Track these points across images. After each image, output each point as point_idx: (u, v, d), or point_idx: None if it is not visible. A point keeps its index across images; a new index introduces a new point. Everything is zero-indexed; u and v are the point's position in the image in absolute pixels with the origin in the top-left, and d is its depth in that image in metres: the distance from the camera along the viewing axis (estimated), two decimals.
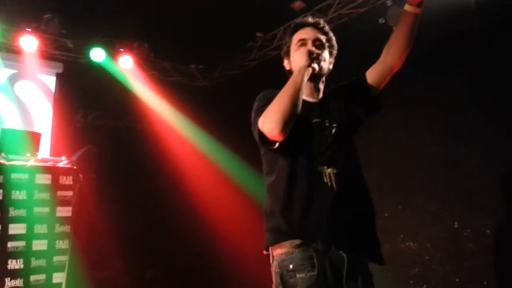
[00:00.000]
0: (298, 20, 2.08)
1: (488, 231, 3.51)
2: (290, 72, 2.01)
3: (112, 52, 5.43)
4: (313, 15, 4.84)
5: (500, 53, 3.52)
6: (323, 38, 1.99)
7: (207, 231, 5.41)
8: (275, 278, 1.80)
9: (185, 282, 5.32)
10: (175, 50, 5.71)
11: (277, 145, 1.81)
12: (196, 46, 5.58)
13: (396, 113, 4.24)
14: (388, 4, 4.00)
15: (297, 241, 1.76)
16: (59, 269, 3.86)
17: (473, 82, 3.68)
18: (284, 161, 1.85)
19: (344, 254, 1.76)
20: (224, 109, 5.89)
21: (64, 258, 3.89)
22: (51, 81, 5.57)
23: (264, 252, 1.90)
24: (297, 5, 4.83)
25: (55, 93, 5.56)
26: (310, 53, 1.88)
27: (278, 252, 1.80)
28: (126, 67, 5.53)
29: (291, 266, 1.74)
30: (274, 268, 1.81)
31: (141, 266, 5.37)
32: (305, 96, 1.90)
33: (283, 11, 4.91)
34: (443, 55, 3.87)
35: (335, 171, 1.83)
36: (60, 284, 3.84)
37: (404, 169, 4.14)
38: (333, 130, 1.92)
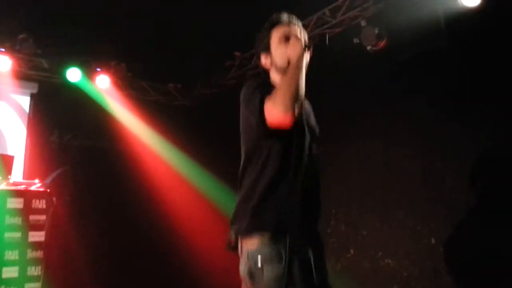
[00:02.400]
0: (272, 17, 2.07)
1: (464, 247, 3.55)
2: (266, 70, 2.03)
3: (89, 72, 5.37)
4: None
5: (470, 70, 3.63)
6: (299, 33, 2.02)
7: (186, 251, 5.33)
8: (243, 269, 1.79)
9: None
10: (153, 69, 5.69)
11: (271, 131, 1.78)
12: (174, 65, 5.58)
13: (374, 129, 4.31)
14: (362, 25, 4.09)
15: (267, 234, 1.77)
16: None
17: (446, 98, 3.78)
18: (275, 153, 1.83)
19: (309, 247, 1.84)
20: (202, 127, 5.87)
21: (37, 285, 3.75)
22: (25, 102, 5.46)
23: (229, 242, 1.89)
24: None
25: (29, 113, 5.44)
26: (304, 42, 1.90)
27: (248, 243, 1.80)
28: (103, 86, 5.48)
29: (260, 258, 1.74)
30: (243, 259, 1.81)
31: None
32: None
33: (261, 30, 4.96)
34: (416, 73, 3.97)
35: (311, 167, 1.91)
36: None
37: (382, 185, 4.19)
38: (315, 128, 2.03)
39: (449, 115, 3.77)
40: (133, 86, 5.94)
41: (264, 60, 2.04)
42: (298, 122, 1.82)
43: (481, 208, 3.49)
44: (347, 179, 4.43)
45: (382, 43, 3.93)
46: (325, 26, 4.59)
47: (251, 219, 1.80)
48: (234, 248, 1.88)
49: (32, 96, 5.50)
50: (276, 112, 1.73)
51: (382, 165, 4.20)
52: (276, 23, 2.02)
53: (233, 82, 5.90)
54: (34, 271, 3.77)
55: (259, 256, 1.74)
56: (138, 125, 5.71)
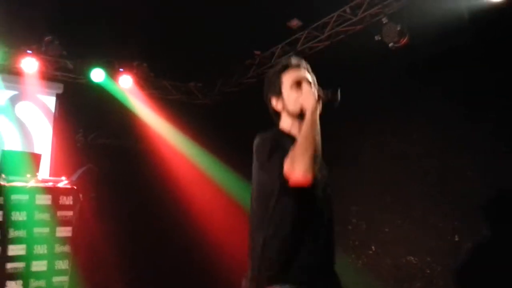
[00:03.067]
0: (282, 60, 2.12)
1: (488, 244, 3.50)
2: (277, 112, 2.04)
3: (112, 72, 5.49)
4: (310, 33, 4.97)
5: (493, 68, 3.57)
6: (310, 79, 2.05)
7: (209, 250, 5.38)
8: None
9: None
10: (174, 68, 5.78)
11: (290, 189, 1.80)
12: (195, 65, 5.64)
13: (394, 126, 4.28)
14: (384, 22, 4.06)
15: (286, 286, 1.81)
16: None
17: (468, 95, 3.72)
18: (290, 206, 1.85)
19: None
20: (223, 126, 5.92)
21: (64, 278, 3.86)
22: (51, 102, 5.61)
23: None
24: (294, 23, 4.91)
25: (55, 113, 5.59)
26: (317, 93, 1.92)
27: None
28: (125, 86, 5.59)
29: None
30: None
31: (141, 285, 5.31)
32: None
33: (281, 29, 4.98)
34: (437, 69, 3.92)
35: (328, 217, 1.94)
36: None
37: (403, 182, 4.15)
38: (323, 172, 1.99)
39: (471, 112, 3.71)
40: (155, 86, 6.03)
41: (275, 104, 2.05)
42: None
43: (504, 205, 3.43)
44: (367, 176, 4.41)
45: (404, 40, 3.89)
46: (346, 23, 4.58)
47: (270, 272, 1.84)
48: None
49: (58, 96, 5.65)
50: (295, 174, 1.74)
51: (403, 162, 4.17)
52: (286, 67, 2.05)
53: (253, 80, 5.93)
54: (62, 265, 3.88)
55: None
56: (160, 123, 5.80)
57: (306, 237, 1.85)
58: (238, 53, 5.55)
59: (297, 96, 1.97)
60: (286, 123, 2.03)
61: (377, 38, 4.04)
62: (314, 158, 1.75)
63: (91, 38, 4.99)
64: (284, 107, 2.02)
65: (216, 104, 6.48)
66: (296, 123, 1.99)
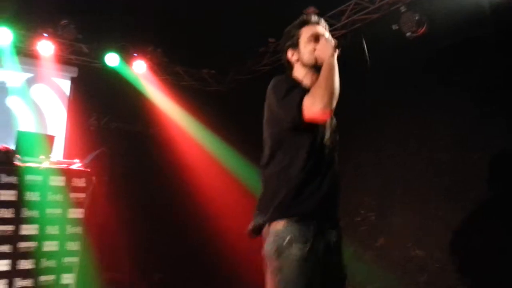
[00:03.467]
0: (304, 16, 2.21)
1: (499, 239, 3.45)
2: (291, 63, 2.17)
3: (126, 57, 5.50)
4: (326, 21, 4.89)
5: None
6: (327, 35, 2.16)
7: (218, 236, 5.40)
8: (270, 247, 1.91)
9: (192, 286, 5.32)
10: (188, 54, 5.76)
11: (304, 125, 1.91)
12: (208, 51, 5.61)
13: (409, 118, 4.21)
14: (402, 11, 3.98)
15: (296, 217, 1.91)
16: (69, 270, 3.89)
17: (486, 89, 3.63)
18: (305, 142, 1.97)
19: (334, 230, 2.00)
20: (236, 113, 5.90)
21: (75, 259, 3.92)
22: (66, 85, 5.66)
23: (254, 228, 2.03)
24: (311, 10, 4.83)
25: (69, 96, 5.64)
26: (336, 43, 2.03)
27: (276, 225, 1.93)
28: (139, 71, 5.60)
29: (288, 237, 1.87)
30: (270, 238, 1.93)
31: (150, 269, 5.38)
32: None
33: (296, 17, 4.92)
34: (456, 60, 3.83)
35: (336, 157, 2.09)
36: (68, 285, 3.87)
37: (415, 175, 4.10)
38: (333, 119, 2.15)
39: (488, 106, 3.62)
40: (168, 71, 6.04)
41: (291, 55, 2.17)
42: None
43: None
44: (379, 168, 4.36)
45: (422, 30, 3.81)
46: (363, 12, 4.50)
47: (281, 207, 1.93)
48: (258, 232, 2.02)
49: (73, 80, 5.69)
50: (316, 109, 1.85)
51: (416, 154, 4.11)
52: (306, 22, 2.17)
53: (267, 68, 5.89)
54: (73, 246, 3.93)
55: (287, 235, 1.87)
56: (173, 109, 5.82)
57: (318, 174, 1.96)
58: (253, 41, 5.50)
59: (313, 48, 2.08)
60: (299, 74, 2.14)
61: (394, 27, 3.97)
62: (333, 96, 1.87)
63: (107, 22, 5.00)
64: (299, 58, 2.13)
65: (229, 91, 6.46)
66: (309, 74, 2.10)
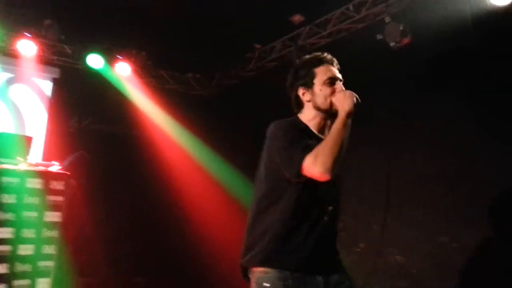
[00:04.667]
0: (317, 54, 2.10)
1: (475, 245, 3.51)
2: (301, 102, 2.06)
3: (110, 59, 5.43)
4: (312, 29, 4.93)
5: (495, 70, 3.55)
6: (341, 78, 2.07)
7: (199, 239, 5.37)
8: None
9: None
10: (173, 58, 5.73)
11: (305, 179, 1.84)
12: (193, 55, 5.60)
13: (391, 127, 4.25)
14: (386, 21, 4.03)
15: (279, 266, 1.86)
16: (44, 274, 3.78)
17: (469, 99, 3.70)
18: (296, 193, 1.90)
19: (319, 277, 1.90)
20: (220, 118, 5.89)
21: (50, 263, 3.81)
22: (47, 86, 5.55)
23: (242, 265, 1.98)
24: (297, 18, 4.87)
25: (50, 98, 5.54)
26: (356, 99, 1.93)
27: (256, 272, 1.90)
28: (123, 74, 5.53)
29: (266, 285, 1.84)
30: (251, 284, 1.91)
31: (130, 273, 5.29)
32: (320, 133, 2.01)
33: (282, 23, 4.94)
34: (438, 71, 3.90)
35: (332, 208, 1.97)
36: None
37: (395, 182, 4.14)
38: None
39: (471, 115, 3.69)
40: (152, 75, 5.99)
41: (302, 95, 2.06)
42: None
43: (496, 208, 3.43)
44: (360, 174, 4.39)
45: (406, 40, 3.87)
46: (348, 21, 4.54)
47: (263, 254, 1.89)
48: (245, 275, 1.99)
49: (54, 81, 5.59)
50: (315, 171, 1.78)
51: (397, 162, 4.16)
52: (322, 61, 2.06)
53: (252, 74, 5.89)
54: (49, 249, 3.82)
55: (266, 283, 1.84)
56: (156, 112, 5.77)
57: (305, 228, 1.89)
58: (238, 46, 5.51)
59: (329, 93, 1.99)
60: (308, 115, 2.06)
61: (379, 37, 4.01)
62: (337, 159, 1.79)
63: (91, 24, 4.94)
64: (312, 99, 2.03)
65: (213, 96, 6.44)
66: (318, 118, 2.03)
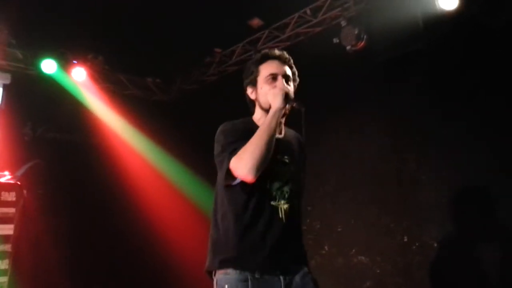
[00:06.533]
0: (264, 51, 2.08)
1: (435, 244, 3.63)
2: (252, 101, 2.05)
3: (65, 64, 5.24)
4: (271, 33, 4.98)
5: (447, 71, 3.70)
6: (289, 72, 2.03)
7: (160, 247, 5.28)
8: None
9: None
10: (131, 63, 5.61)
11: (238, 181, 1.85)
12: (153, 60, 5.51)
13: (349, 128, 4.35)
14: (342, 25, 4.12)
15: (238, 267, 1.86)
16: None
17: (422, 100, 3.84)
18: (243, 194, 1.89)
19: (280, 277, 1.89)
20: (180, 124, 5.81)
21: (3, 279, 3.64)
22: None
23: (207, 271, 1.98)
24: (255, 22, 4.90)
25: (1, 104, 5.28)
26: (286, 95, 1.89)
27: (217, 274, 1.91)
28: (79, 79, 5.35)
29: (226, 286, 1.84)
30: (214, 286, 1.92)
31: (89, 284, 5.11)
32: None
33: (242, 27, 4.96)
34: (392, 74, 4.03)
35: (287, 206, 1.95)
36: None
37: (357, 183, 4.23)
38: (291, 167, 2.01)
39: (425, 115, 3.83)
40: (110, 80, 5.84)
41: (250, 94, 2.06)
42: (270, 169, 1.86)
43: (454, 208, 3.57)
44: (322, 176, 4.45)
45: (361, 44, 3.96)
46: (306, 25, 4.62)
47: (221, 257, 1.90)
48: (208, 274, 1.99)
49: (5, 87, 5.34)
50: (239, 173, 1.80)
51: (357, 163, 4.25)
52: (266, 57, 2.03)
53: (213, 78, 5.87)
54: (1, 264, 3.65)
55: (226, 284, 1.85)
56: (114, 119, 5.61)
57: (261, 226, 1.88)
58: (198, 50, 5.47)
59: (269, 90, 1.95)
60: (257, 114, 2.06)
61: (335, 40, 4.09)
62: (261, 159, 1.76)
63: (43, 27, 4.76)
64: (256, 98, 2.03)
65: (174, 101, 6.36)
66: (264, 116, 1.99)
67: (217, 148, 1.93)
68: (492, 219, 3.33)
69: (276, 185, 1.92)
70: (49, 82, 5.22)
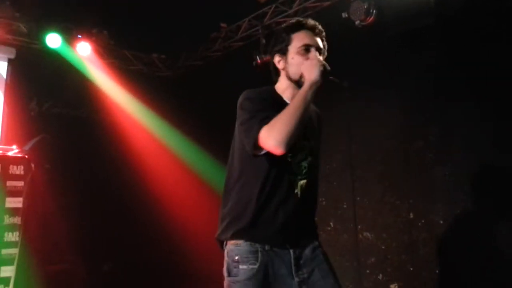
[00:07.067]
0: (298, 19, 2.00)
1: (441, 221, 3.65)
2: (277, 70, 1.99)
3: (69, 38, 5.19)
4: (277, 8, 4.89)
5: (458, 48, 3.64)
6: (321, 45, 1.97)
7: (167, 223, 5.34)
8: (223, 268, 1.91)
9: (142, 274, 5.23)
10: (136, 38, 5.55)
11: (265, 151, 1.80)
12: (158, 35, 5.44)
13: (357, 105, 4.32)
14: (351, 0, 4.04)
15: (249, 238, 1.86)
16: (8, 262, 3.67)
17: (432, 76, 3.80)
18: (265, 166, 1.86)
19: (290, 250, 1.89)
20: (187, 99, 5.80)
21: (14, 251, 3.70)
22: (2, 67, 5.28)
23: (217, 239, 1.98)
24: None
25: (6, 79, 5.27)
26: (324, 68, 1.83)
27: (228, 245, 1.91)
28: (83, 54, 5.32)
29: (236, 257, 1.85)
30: (224, 256, 1.92)
31: (98, 259, 5.21)
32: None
33: (248, 2, 4.87)
34: (402, 50, 3.97)
35: (305, 182, 1.92)
36: (9, 278, 3.66)
37: (363, 161, 4.23)
38: (312, 142, 1.99)
39: (432, 92, 3.80)
40: (115, 55, 5.80)
41: (278, 62, 1.98)
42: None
43: (459, 185, 3.57)
44: (327, 154, 4.45)
45: (370, 19, 3.89)
46: (313, 0, 4.53)
47: (233, 227, 1.89)
48: (218, 242, 1.99)
49: (10, 62, 5.32)
50: (269, 144, 1.74)
51: (364, 140, 4.23)
52: (300, 26, 1.95)
53: (218, 54, 5.81)
54: (12, 237, 3.71)
55: (235, 255, 1.85)
56: (119, 94, 5.60)
57: (274, 202, 1.87)
58: (204, 25, 5.40)
59: (302, 61, 1.88)
60: (282, 84, 1.99)
61: (344, 15, 4.02)
62: (293, 132, 1.72)
63: (47, 0, 4.70)
64: (285, 67, 1.96)
65: (179, 77, 6.32)
66: (291, 88, 1.95)
67: (243, 115, 1.85)
68: (499, 198, 3.32)
69: (296, 159, 1.89)
70: (54, 57, 5.19)
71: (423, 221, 3.76)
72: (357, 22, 3.93)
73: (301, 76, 1.87)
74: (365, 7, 3.88)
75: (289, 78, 1.95)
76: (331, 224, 4.40)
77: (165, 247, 5.39)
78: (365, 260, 4.06)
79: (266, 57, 4.78)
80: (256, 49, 4.86)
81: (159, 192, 5.42)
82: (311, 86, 1.81)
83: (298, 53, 1.92)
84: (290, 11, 4.80)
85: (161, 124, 5.64)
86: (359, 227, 4.14)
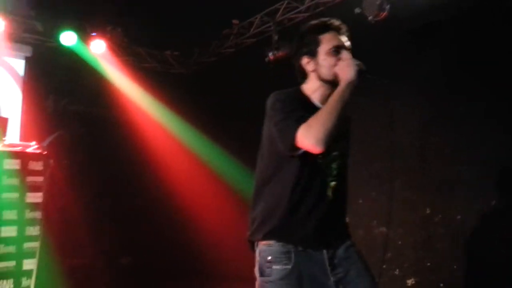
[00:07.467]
0: (323, 20, 1.99)
1: (458, 217, 3.64)
2: (303, 71, 1.98)
3: (84, 36, 5.28)
4: (290, 4, 4.90)
5: (472, 43, 3.62)
6: (349, 44, 1.98)
7: (184, 218, 5.40)
8: (255, 268, 1.90)
9: (161, 269, 5.31)
10: (150, 35, 5.61)
11: (302, 151, 1.80)
12: (171, 32, 5.50)
13: (373, 102, 4.31)
14: None
15: (282, 239, 1.86)
16: (30, 255, 3.76)
17: (446, 71, 3.78)
18: (298, 166, 1.86)
19: (323, 250, 1.89)
20: (200, 96, 5.85)
21: (35, 244, 3.79)
22: (19, 65, 5.38)
23: (248, 240, 1.97)
24: None
25: (24, 77, 5.38)
26: (359, 68, 1.84)
27: (260, 245, 1.90)
28: (98, 51, 5.40)
29: (269, 258, 1.84)
30: (256, 257, 1.91)
31: (116, 253, 5.30)
32: (322, 103, 1.90)
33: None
34: (415, 45, 3.96)
35: (336, 184, 1.93)
36: (31, 270, 3.74)
37: (380, 156, 4.22)
38: (343, 142, 2.00)
39: (450, 87, 3.78)
40: (129, 52, 5.87)
41: (306, 64, 1.97)
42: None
43: (475, 180, 3.56)
44: None
45: (383, 14, 3.89)
46: None
47: (266, 228, 1.88)
48: (252, 248, 1.97)
49: (27, 60, 5.42)
50: (307, 143, 1.74)
51: (381, 136, 4.22)
52: (327, 28, 1.95)
53: (231, 51, 5.85)
54: (33, 231, 3.79)
55: (268, 256, 1.84)
56: (134, 91, 5.67)
57: (310, 201, 1.87)
58: (216, 22, 5.43)
59: (334, 63, 1.88)
60: (311, 86, 1.98)
61: (357, 10, 4.01)
62: (331, 131, 1.73)
63: None
64: (316, 69, 1.94)
65: (193, 74, 6.38)
66: (322, 89, 1.94)
67: (277, 116, 1.84)
68: None
69: (327, 160, 1.90)
70: (70, 55, 5.27)
71: (440, 216, 3.74)
72: (370, 18, 3.93)
73: (335, 76, 1.88)
74: (378, 2, 3.88)
75: (321, 79, 1.95)
76: (347, 219, 4.40)
77: (182, 242, 5.45)
78: (382, 256, 4.07)
79: (279, 54, 4.81)
80: (268, 45, 4.89)
81: (176, 188, 5.48)
82: (348, 85, 1.82)
83: (330, 53, 1.91)
84: (302, 7, 4.81)
85: (175, 121, 5.70)
86: (375, 222, 4.14)
